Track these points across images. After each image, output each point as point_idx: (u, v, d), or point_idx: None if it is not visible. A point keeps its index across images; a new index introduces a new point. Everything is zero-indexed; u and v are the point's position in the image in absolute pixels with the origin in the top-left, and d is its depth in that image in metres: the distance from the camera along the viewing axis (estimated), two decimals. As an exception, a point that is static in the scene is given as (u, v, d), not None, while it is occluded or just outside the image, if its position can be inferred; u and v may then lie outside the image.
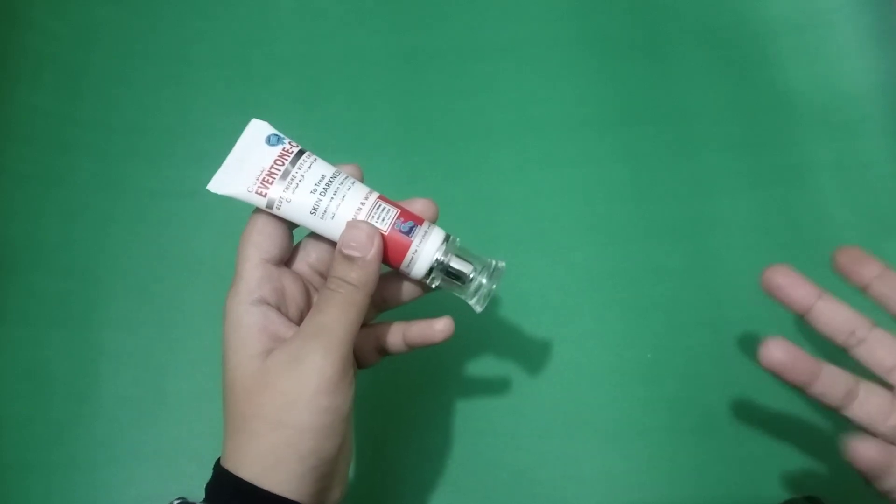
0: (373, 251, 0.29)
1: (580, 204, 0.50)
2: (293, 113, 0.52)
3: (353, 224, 0.30)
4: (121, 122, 0.53)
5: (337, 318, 0.28)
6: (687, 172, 0.51)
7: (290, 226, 0.32)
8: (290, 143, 0.32)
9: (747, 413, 0.45)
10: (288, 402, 0.27)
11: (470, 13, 0.56)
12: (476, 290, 0.31)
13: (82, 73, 0.54)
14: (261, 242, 0.31)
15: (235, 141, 0.32)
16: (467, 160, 0.51)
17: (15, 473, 0.44)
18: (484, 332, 0.47)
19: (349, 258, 0.29)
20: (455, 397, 0.46)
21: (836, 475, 0.43)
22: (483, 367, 0.47)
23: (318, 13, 0.56)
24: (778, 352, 0.30)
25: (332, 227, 0.30)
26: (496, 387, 0.46)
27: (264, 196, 0.30)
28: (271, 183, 0.30)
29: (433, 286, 0.32)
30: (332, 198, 0.30)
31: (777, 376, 0.30)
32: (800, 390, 0.31)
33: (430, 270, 0.31)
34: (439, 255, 0.30)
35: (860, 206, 0.49)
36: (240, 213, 0.50)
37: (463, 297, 0.32)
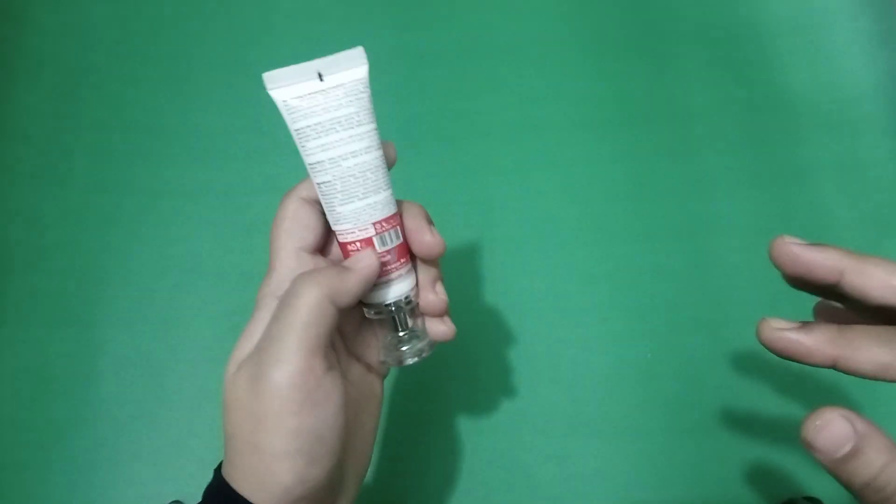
0: (364, 271, 0.27)
1: (580, 204, 0.50)
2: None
3: (368, 254, 0.28)
4: (121, 122, 0.53)
5: (290, 324, 0.25)
6: (687, 172, 0.51)
7: (323, 210, 0.30)
8: None
9: (747, 413, 0.45)
10: (256, 425, 0.25)
11: (470, 13, 0.56)
12: (395, 348, 0.30)
13: (82, 73, 0.54)
14: (293, 229, 0.28)
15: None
16: (467, 160, 0.51)
17: (15, 473, 0.44)
18: (484, 332, 0.47)
19: (338, 266, 0.27)
20: (455, 397, 0.46)
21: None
22: (483, 366, 0.47)
23: (318, 13, 0.56)
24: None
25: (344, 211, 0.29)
26: (496, 386, 0.46)
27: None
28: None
29: (367, 316, 0.30)
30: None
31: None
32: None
33: (379, 304, 0.30)
34: (393, 301, 0.29)
35: (860, 206, 0.49)
36: (239, 213, 0.50)
37: (381, 340, 0.31)
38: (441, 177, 0.51)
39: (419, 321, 0.31)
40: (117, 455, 0.45)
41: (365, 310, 0.30)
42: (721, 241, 0.49)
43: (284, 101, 0.27)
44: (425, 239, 0.29)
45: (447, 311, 0.31)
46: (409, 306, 0.30)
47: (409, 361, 0.30)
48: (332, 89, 0.27)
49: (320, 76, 0.27)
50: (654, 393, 0.46)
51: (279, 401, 0.24)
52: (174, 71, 0.54)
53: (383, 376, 0.33)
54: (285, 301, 0.26)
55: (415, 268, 0.31)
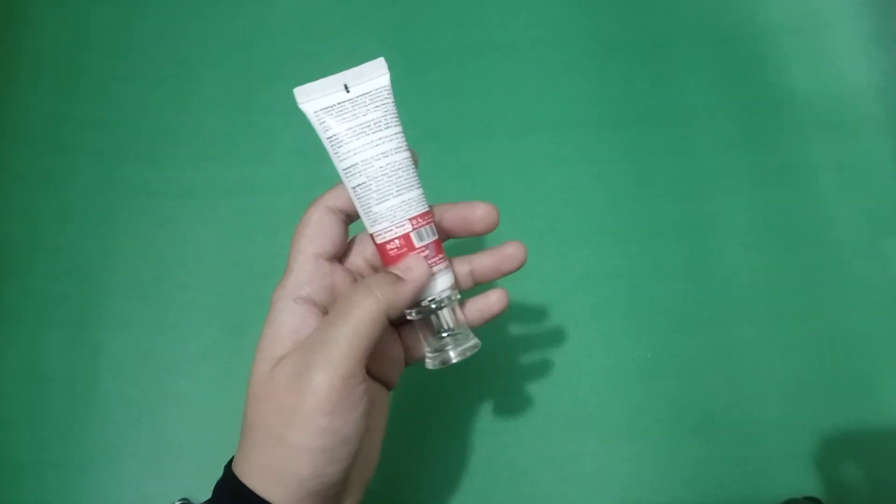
0: (423, 281, 0.29)
1: (580, 204, 0.50)
2: (293, 113, 0.52)
3: (417, 258, 0.29)
4: (120, 121, 0.53)
5: (345, 331, 0.26)
6: (687, 172, 0.51)
7: (346, 220, 0.31)
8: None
9: (747, 413, 0.45)
10: (286, 419, 0.26)
11: (470, 13, 0.56)
12: (439, 350, 0.31)
13: (81, 72, 0.54)
14: (315, 236, 0.30)
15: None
16: (467, 160, 0.51)
17: (13, 473, 0.44)
18: (484, 332, 0.47)
19: (398, 279, 0.28)
20: (455, 397, 0.46)
21: (836, 475, 0.43)
22: (483, 367, 0.47)
23: (318, 13, 0.56)
24: None
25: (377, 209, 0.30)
26: (496, 387, 0.46)
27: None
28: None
29: (408, 318, 0.31)
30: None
31: None
32: None
33: (419, 303, 0.30)
34: (436, 298, 0.30)
35: (860, 206, 0.49)
36: (239, 213, 0.50)
37: (426, 344, 0.31)
38: (441, 177, 0.51)
39: (461, 320, 0.31)
40: (117, 455, 0.45)
41: (410, 312, 0.31)
42: (721, 241, 0.49)
43: (315, 112, 0.29)
44: (477, 213, 0.31)
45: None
46: (452, 303, 0.31)
47: (455, 360, 0.30)
48: (358, 98, 0.30)
49: (346, 88, 0.29)
50: (654, 393, 0.46)
51: (317, 400, 0.26)
52: (174, 71, 0.54)
53: (391, 388, 0.33)
54: (343, 309, 0.27)
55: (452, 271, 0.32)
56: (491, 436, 0.45)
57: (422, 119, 0.52)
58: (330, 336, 0.27)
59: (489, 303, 0.32)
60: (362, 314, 0.27)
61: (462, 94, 0.53)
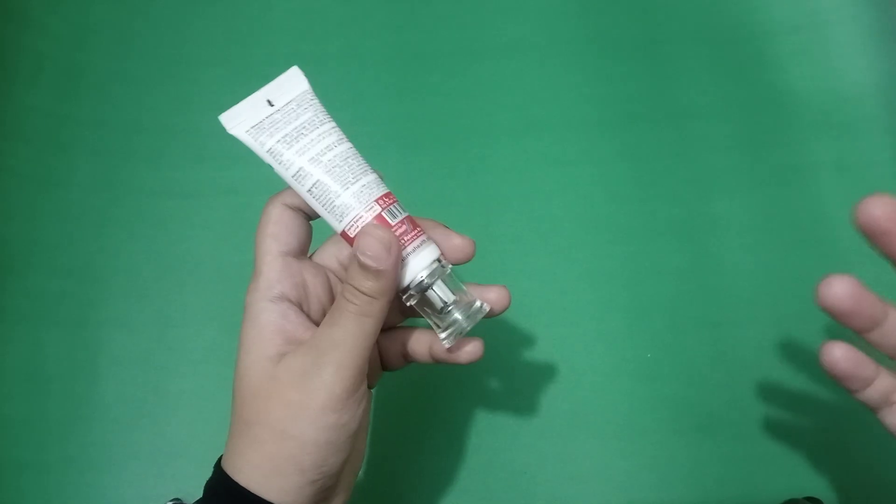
0: (390, 261, 0.27)
1: (580, 204, 0.50)
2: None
3: (369, 230, 0.28)
4: (120, 121, 0.53)
5: (351, 331, 0.27)
6: (687, 172, 0.51)
7: (308, 216, 0.31)
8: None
9: (747, 413, 0.45)
10: (292, 414, 0.27)
11: (470, 13, 0.56)
12: (449, 325, 0.30)
13: (81, 72, 0.54)
14: (278, 234, 0.30)
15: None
16: (467, 160, 0.51)
17: (12, 473, 0.44)
18: (484, 332, 0.47)
19: (365, 267, 0.27)
20: (455, 397, 0.46)
21: (836, 475, 0.43)
22: (483, 366, 0.46)
23: (318, 13, 0.56)
24: (840, 292, 0.27)
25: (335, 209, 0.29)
26: (496, 386, 0.46)
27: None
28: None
29: (408, 304, 0.30)
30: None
31: (837, 318, 0.28)
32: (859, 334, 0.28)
33: (408, 287, 0.29)
34: (423, 275, 0.29)
35: (860, 206, 0.49)
36: (239, 213, 0.50)
37: (433, 325, 0.30)
38: (441, 177, 0.51)
39: (460, 288, 0.30)
40: (117, 455, 0.45)
41: (406, 298, 0.30)
42: (721, 241, 0.49)
43: (247, 132, 0.29)
44: (455, 242, 0.30)
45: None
46: (443, 274, 0.30)
47: (468, 327, 0.30)
48: (284, 106, 0.29)
49: (270, 102, 0.29)
50: (654, 393, 0.46)
51: (328, 399, 0.26)
52: (174, 71, 0.54)
53: (372, 385, 0.33)
54: (344, 307, 0.27)
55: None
56: (491, 436, 0.45)
57: (421, 119, 0.52)
58: (336, 337, 0.27)
59: (487, 298, 0.31)
60: (362, 314, 0.27)
61: (462, 95, 0.53)
